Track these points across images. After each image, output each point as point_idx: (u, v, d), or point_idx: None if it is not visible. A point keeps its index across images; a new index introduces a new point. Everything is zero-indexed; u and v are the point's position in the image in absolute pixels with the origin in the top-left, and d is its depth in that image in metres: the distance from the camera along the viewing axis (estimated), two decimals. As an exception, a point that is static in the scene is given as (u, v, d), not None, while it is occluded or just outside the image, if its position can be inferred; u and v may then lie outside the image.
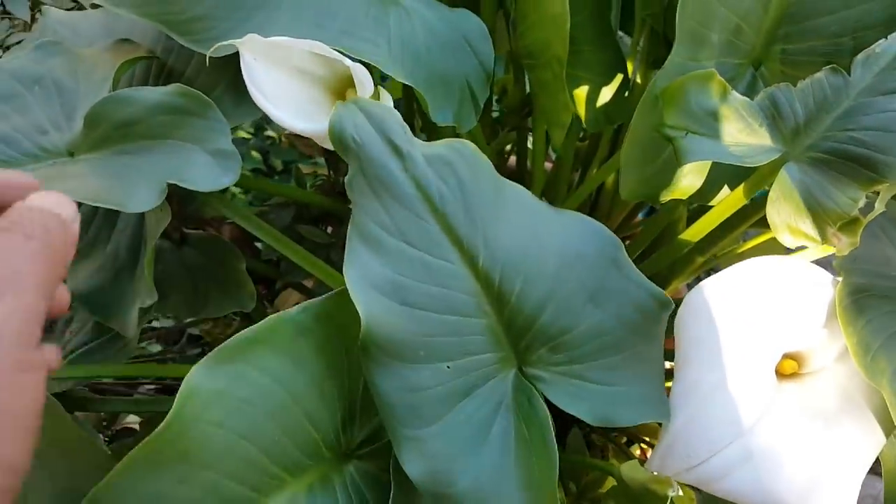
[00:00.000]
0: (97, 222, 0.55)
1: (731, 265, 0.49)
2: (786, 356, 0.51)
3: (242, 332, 0.42)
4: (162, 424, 0.39)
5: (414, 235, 0.42)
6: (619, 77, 0.69)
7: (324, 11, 0.50)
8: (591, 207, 0.82)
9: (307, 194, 0.78)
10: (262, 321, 0.43)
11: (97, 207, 0.56)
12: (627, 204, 0.79)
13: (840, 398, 0.49)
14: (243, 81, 0.53)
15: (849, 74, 0.47)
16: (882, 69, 0.47)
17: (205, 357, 0.41)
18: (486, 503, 0.41)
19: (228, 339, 0.42)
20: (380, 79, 0.54)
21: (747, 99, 0.48)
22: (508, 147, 0.88)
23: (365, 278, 0.41)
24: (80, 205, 0.56)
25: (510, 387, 0.44)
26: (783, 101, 0.47)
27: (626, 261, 0.45)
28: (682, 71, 0.49)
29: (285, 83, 0.48)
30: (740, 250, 0.73)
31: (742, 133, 0.47)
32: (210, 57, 0.49)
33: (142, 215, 0.55)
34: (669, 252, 0.61)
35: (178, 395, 0.40)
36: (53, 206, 0.30)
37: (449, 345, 0.42)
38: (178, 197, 0.67)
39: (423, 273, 0.42)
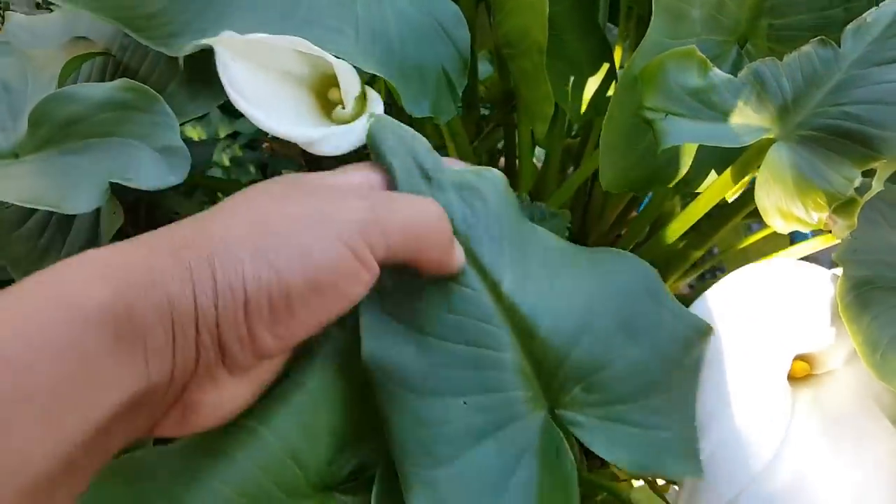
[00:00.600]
0: (51, 229, 0.53)
1: (735, 262, 0.46)
2: (797, 358, 0.47)
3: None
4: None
5: None
6: (606, 67, 0.66)
7: (288, 1, 0.47)
8: (585, 204, 0.78)
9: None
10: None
11: (51, 214, 0.53)
12: (622, 198, 0.76)
13: (858, 401, 0.45)
14: (197, 75, 0.50)
15: (839, 46, 0.44)
16: (875, 38, 0.43)
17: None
18: None
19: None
20: (370, 78, 0.51)
21: (731, 76, 0.44)
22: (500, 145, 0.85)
23: (376, 304, 0.38)
24: (33, 210, 0.54)
25: (538, 431, 0.40)
26: (769, 77, 0.44)
27: (664, 290, 0.42)
28: (660, 49, 0.46)
29: (265, 83, 0.45)
30: (743, 245, 0.69)
31: (726, 113, 0.44)
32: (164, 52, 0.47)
33: (96, 220, 0.52)
34: (657, 247, 0.58)
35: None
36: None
37: (466, 378, 0.38)
38: (147, 205, 0.64)
39: (441, 299, 0.39)
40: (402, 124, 0.41)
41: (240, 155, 1.53)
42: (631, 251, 0.62)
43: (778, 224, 0.44)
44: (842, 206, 0.42)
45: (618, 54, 0.71)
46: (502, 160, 0.86)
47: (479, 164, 0.44)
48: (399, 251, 0.34)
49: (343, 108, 0.44)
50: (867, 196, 0.42)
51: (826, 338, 0.45)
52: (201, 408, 0.31)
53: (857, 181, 0.42)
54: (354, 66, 0.44)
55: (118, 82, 0.46)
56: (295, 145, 0.47)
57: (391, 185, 0.40)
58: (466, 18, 0.65)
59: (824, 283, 0.45)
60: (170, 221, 0.63)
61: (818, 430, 0.43)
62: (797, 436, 0.43)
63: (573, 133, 0.92)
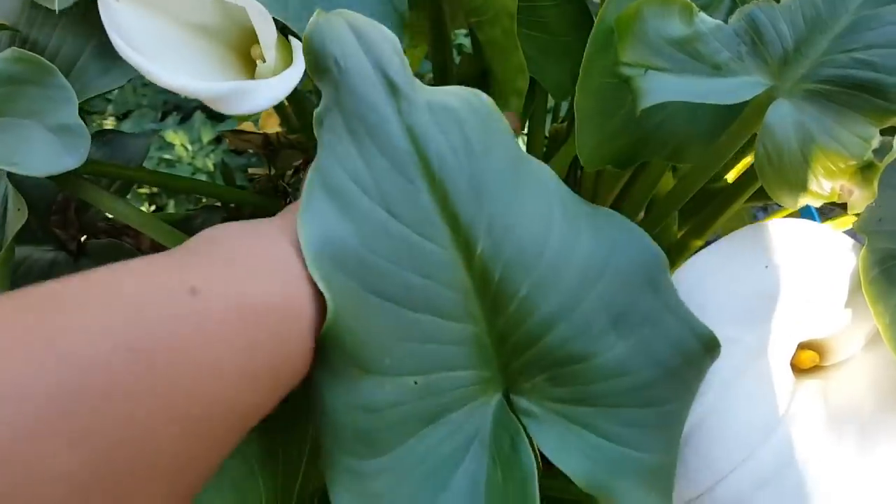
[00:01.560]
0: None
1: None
2: (802, 346, 0.40)
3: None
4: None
5: (397, 201, 0.32)
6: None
7: None
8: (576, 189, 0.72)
9: (240, 194, 0.69)
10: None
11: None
12: (617, 179, 0.69)
13: (874, 395, 0.39)
14: (112, 47, 0.44)
15: (848, -17, 0.37)
16: (889, -28, 0.37)
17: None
18: None
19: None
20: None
21: (720, 23, 0.38)
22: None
23: (325, 245, 0.31)
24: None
25: (490, 418, 0.34)
26: (765, 23, 0.37)
27: (669, 282, 0.35)
28: (636, -6, 0.39)
29: (165, 33, 0.39)
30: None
31: (716, 65, 0.37)
32: (73, 21, 0.41)
33: (3, 216, 0.46)
34: (652, 234, 0.51)
35: None
36: None
37: (421, 353, 0.32)
38: (74, 204, 0.58)
39: (403, 253, 0.32)
40: (369, 20, 0.33)
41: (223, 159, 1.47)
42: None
43: (786, 200, 0.37)
44: (859, 171, 0.36)
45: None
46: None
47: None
48: None
49: (264, 61, 0.38)
50: (888, 158, 0.36)
51: (840, 319, 0.38)
52: None
53: (876, 141, 0.36)
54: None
55: (7, 52, 0.39)
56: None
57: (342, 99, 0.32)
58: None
59: (846, 254, 0.38)
60: (103, 224, 0.56)
61: (822, 423, 0.37)
62: (797, 425, 0.36)
63: (561, 118, 0.86)
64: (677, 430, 0.34)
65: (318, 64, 0.32)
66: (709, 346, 0.35)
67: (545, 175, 0.35)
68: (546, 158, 0.72)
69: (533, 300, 0.33)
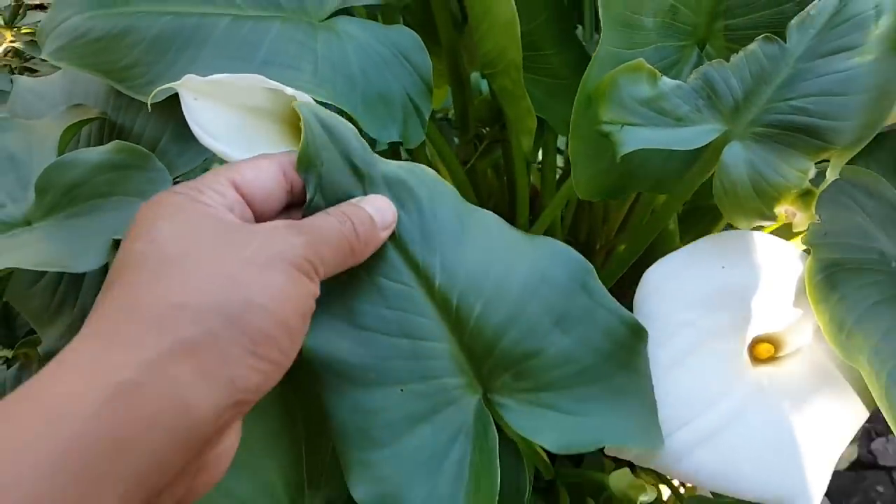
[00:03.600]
0: (64, 284, 0.57)
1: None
2: (760, 340, 0.49)
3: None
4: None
5: (370, 258, 0.41)
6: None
7: (246, 44, 0.51)
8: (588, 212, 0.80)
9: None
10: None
11: (62, 273, 0.57)
12: (623, 203, 0.78)
13: (817, 376, 0.47)
14: (186, 128, 0.54)
15: (785, 42, 0.46)
16: (819, 31, 0.45)
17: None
18: None
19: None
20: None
21: (680, 83, 0.46)
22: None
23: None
24: (43, 273, 0.58)
25: (472, 414, 0.43)
26: (718, 79, 0.46)
27: (598, 285, 0.44)
28: (615, 60, 0.48)
29: (232, 120, 0.48)
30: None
31: (678, 118, 0.46)
32: (154, 109, 0.51)
33: (105, 274, 0.56)
34: (634, 253, 0.59)
35: None
36: (375, 211, 0.40)
37: (402, 369, 0.41)
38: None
39: (375, 295, 0.41)
40: (332, 114, 0.41)
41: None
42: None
43: (740, 222, 0.46)
44: (799, 198, 0.44)
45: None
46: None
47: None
48: (333, 267, 0.37)
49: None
50: (822, 186, 0.44)
51: (790, 317, 0.47)
52: (212, 463, 0.32)
53: (812, 173, 0.44)
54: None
55: (112, 145, 0.49)
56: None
57: (319, 181, 0.40)
58: (449, 41, 0.68)
59: (793, 261, 0.46)
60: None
61: (765, 398, 0.46)
62: (741, 394, 0.45)
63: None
64: (636, 399, 0.43)
65: (309, 164, 0.40)
66: (635, 330, 0.43)
67: (487, 219, 0.44)
68: (560, 184, 0.80)
69: (486, 315, 0.42)
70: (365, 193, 0.41)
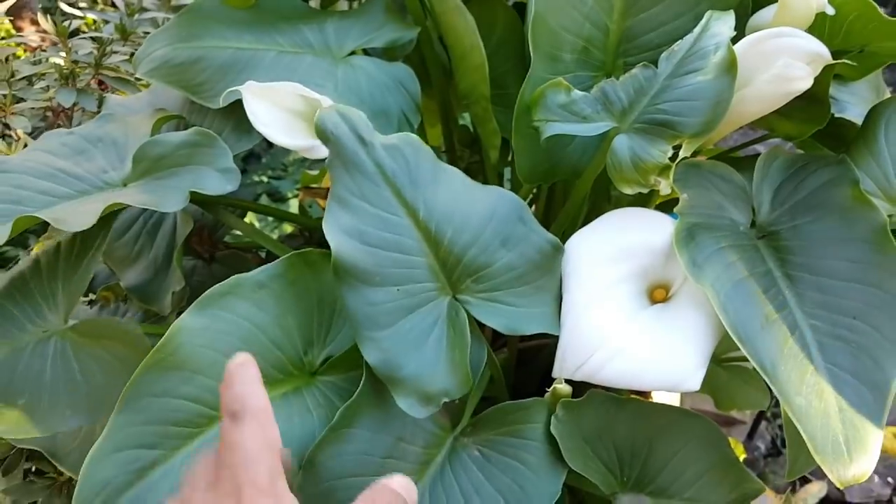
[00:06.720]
0: (143, 237, 0.77)
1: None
2: (655, 286, 0.68)
3: (213, 287, 0.59)
4: (161, 340, 0.56)
5: (373, 198, 0.57)
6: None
7: (287, 71, 0.74)
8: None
9: (315, 222, 0.98)
10: (227, 280, 0.60)
11: (143, 227, 0.78)
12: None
13: (690, 299, 0.66)
14: (241, 126, 0.75)
15: (657, 68, 0.67)
16: (679, 60, 0.66)
17: (189, 306, 0.58)
18: (423, 381, 0.58)
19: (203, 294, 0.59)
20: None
21: (585, 93, 0.67)
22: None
23: (338, 227, 0.56)
24: (131, 224, 0.78)
25: (445, 307, 0.60)
26: (610, 92, 0.67)
27: (530, 217, 0.63)
28: (542, 82, 0.69)
29: (276, 115, 0.68)
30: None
31: (584, 117, 0.67)
32: (218, 112, 0.72)
33: (174, 229, 0.76)
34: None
35: (170, 328, 0.56)
36: (399, 487, 0.45)
37: (398, 274, 0.57)
38: (207, 228, 0.88)
39: (379, 223, 0.57)
40: (344, 106, 0.57)
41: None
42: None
43: (625, 189, 0.66)
44: (662, 170, 0.64)
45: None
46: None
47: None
48: None
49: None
50: (677, 161, 0.64)
51: (670, 268, 0.66)
52: None
53: (669, 153, 0.64)
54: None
55: (191, 130, 0.71)
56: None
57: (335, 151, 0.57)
58: (440, 85, 0.89)
59: (668, 226, 0.66)
60: (225, 243, 0.86)
61: (655, 317, 0.64)
62: (638, 321, 0.64)
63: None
64: (550, 294, 0.63)
65: (324, 134, 0.56)
66: (556, 248, 0.63)
67: (453, 172, 0.61)
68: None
69: (454, 239, 0.59)
70: (368, 153, 0.59)
